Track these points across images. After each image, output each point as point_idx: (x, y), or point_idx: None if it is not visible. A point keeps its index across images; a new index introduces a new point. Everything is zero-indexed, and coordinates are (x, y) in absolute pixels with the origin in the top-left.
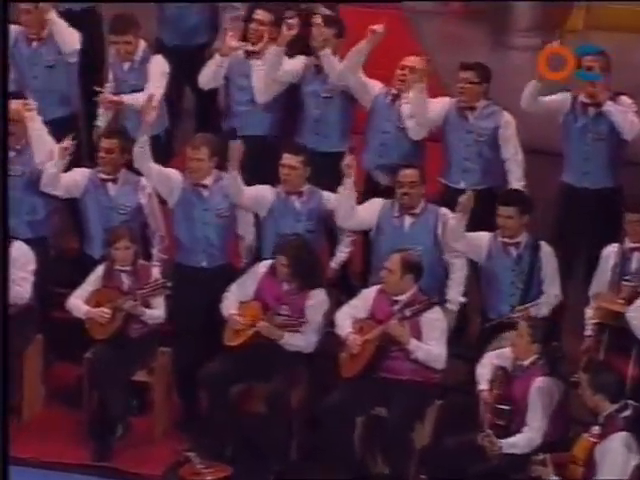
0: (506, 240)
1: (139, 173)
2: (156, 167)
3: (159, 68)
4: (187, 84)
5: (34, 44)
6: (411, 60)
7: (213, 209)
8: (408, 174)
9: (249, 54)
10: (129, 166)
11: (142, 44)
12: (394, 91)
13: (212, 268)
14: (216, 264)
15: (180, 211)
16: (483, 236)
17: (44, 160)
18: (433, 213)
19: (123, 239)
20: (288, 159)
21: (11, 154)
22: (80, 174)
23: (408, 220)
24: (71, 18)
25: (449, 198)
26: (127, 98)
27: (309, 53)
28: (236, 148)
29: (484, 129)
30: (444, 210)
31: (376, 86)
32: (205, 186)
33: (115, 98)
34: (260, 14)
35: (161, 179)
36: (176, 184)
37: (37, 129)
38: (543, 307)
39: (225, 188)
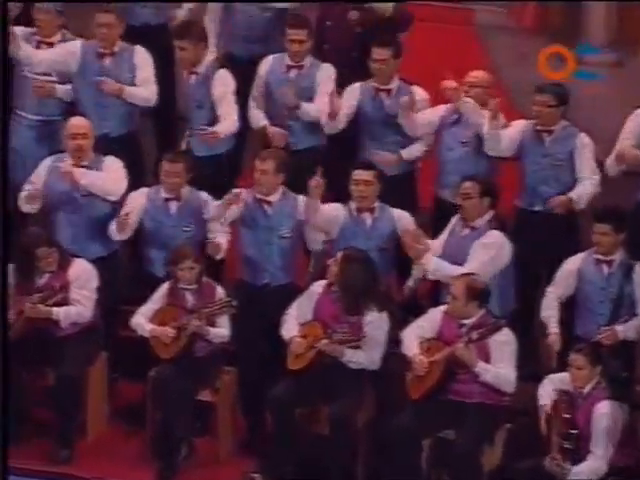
0: (600, 257)
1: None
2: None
3: (223, 87)
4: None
5: (106, 60)
6: (474, 75)
7: (276, 229)
8: (466, 186)
9: (289, 68)
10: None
11: (208, 57)
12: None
13: (276, 286)
14: (280, 282)
15: (243, 228)
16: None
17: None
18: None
19: (187, 259)
20: (361, 174)
21: (76, 171)
22: (140, 194)
23: (466, 233)
24: (143, 33)
25: (523, 221)
26: (222, 129)
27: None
28: (315, 185)
29: (560, 153)
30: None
31: (439, 111)
32: (269, 203)
33: (215, 132)
34: (295, 34)
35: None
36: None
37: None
38: (631, 330)
39: (290, 208)
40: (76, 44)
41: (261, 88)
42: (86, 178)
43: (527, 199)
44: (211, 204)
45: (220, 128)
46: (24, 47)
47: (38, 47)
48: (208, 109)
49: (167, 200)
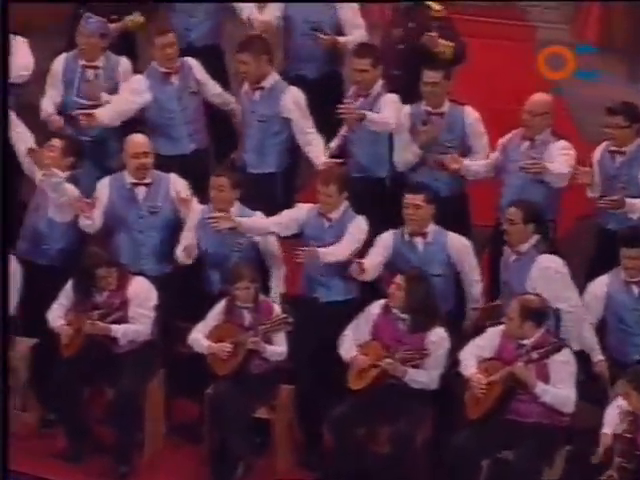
0: (628, 279)
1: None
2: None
3: (295, 100)
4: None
5: (172, 78)
6: (533, 103)
7: (331, 244)
8: (511, 212)
9: (358, 96)
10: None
11: (273, 73)
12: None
13: (335, 302)
14: (340, 299)
15: (305, 243)
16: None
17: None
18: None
19: (244, 280)
20: (411, 198)
21: (141, 189)
22: (198, 212)
23: (514, 258)
24: (193, 53)
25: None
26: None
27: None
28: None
29: (630, 176)
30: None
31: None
32: (329, 219)
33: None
34: (358, 63)
35: (290, 227)
36: (300, 219)
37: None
38: None
39: (348, 226)
40: (139, 81)
41: None
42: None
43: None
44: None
45: (315, 153)
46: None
47: (83, 71)
48: (273, 124)
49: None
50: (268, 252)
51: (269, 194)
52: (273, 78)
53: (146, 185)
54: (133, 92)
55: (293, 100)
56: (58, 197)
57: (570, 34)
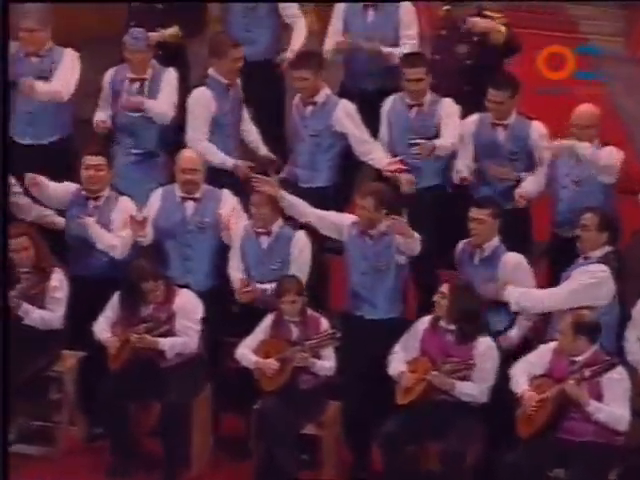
0: None
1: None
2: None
3: (347, 112)
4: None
5: (230, 91)
6: (579, 116)
7: (373, 260)
8: (586, 217)
9: (410, 107)
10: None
11: (325, 87)
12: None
13: (384, 320)
14: (388, 316)
15: (348, 260)
16: None
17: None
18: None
19: (289, 293)
20: (475, 213)
21: (189, 203)
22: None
23: (581, 262)
24: (250, 68)
25: None
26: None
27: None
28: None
29: None
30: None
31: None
32: (371, 236)
33: None
34: (413, 73)
35: (330, 228)
36: (345, 232)
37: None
38: None
39: (391, 241)
40: (205, 93)
41: (385, 128)
42: None
43: None
44: (300, 243)
45: (377, 157)
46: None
47: (131, 84)
48: (326, 138)
49: (258, 234)
50: (298, 272)
51: (320, 208)
52: (325, 92)
53: (195, 200)
54: (201, 104)
55: (345, 113)
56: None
57: (625, 48)
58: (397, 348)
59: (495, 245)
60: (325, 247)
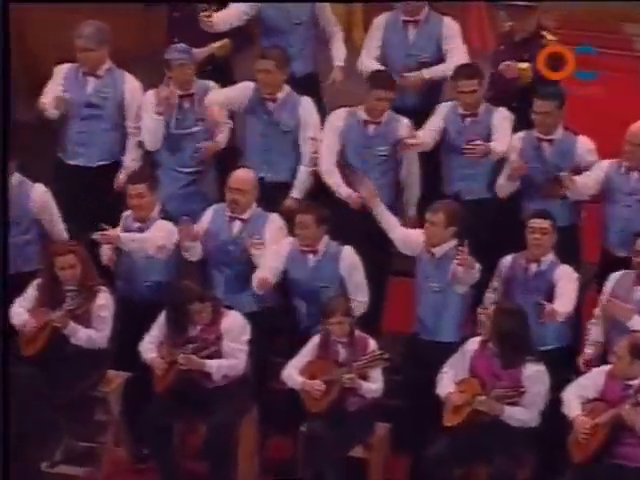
0: None
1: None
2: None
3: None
4: None
5: (270, 105)
6: (634, 134)
7: (442, 280)
8: None
9: (464, 117)
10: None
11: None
12: (626, 164)
13: (445, 343)
14: (450, 340)
15: (417, 279)
16: None
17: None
18: None
19: (336, 314)
20: (538, 223)
21: (236, 223)
22: (285, 244)
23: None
24: (294, 83)
25: None
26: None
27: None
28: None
29: None
30: None
31: (604, 165)
32: (433, 254)
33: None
34: (468, 85)
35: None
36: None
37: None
38: None
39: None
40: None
41: (434, 133)
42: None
43: None
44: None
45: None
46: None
47: (180, 102)
48: (393, 158)
49: (304, 253)
50: (352, 290)
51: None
52: (388, 112)
53: (242, 220)
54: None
55: (408, 129)
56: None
57: None
58: (446, 368)
59: (551, 260)
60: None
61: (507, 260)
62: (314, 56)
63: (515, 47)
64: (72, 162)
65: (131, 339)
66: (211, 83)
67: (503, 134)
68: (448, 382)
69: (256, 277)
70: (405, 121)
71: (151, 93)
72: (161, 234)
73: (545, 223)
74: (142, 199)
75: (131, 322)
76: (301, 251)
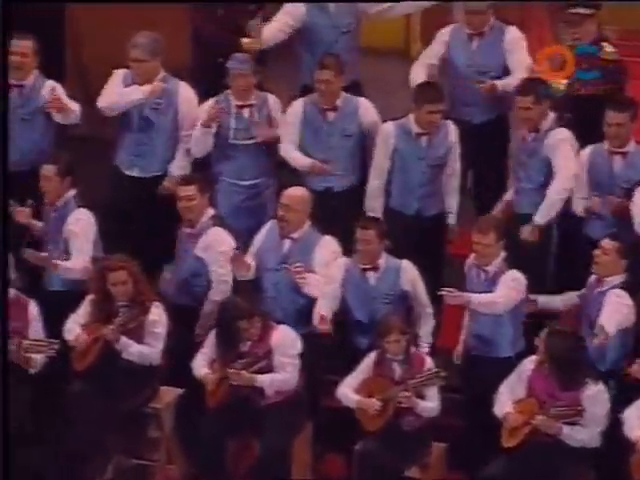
0: None
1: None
2: None
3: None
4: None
5: (330, 114)
6: None
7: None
8: None
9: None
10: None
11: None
12: None
13: (505, 358)
14: (511, 354)
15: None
16: None
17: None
18: None
19: (393, 332)
20: (606, 244)
21: (286, 242)
22: (341, 264)
23: None
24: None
25: None
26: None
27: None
28: None
29: None
30: None
31: None
32: (486, 272)
33: None
34: (523, 101)
35: None
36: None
37: None
38: None
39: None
40: (296, 114)
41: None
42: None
43: None
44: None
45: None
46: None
47: (239, 112)
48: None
49: (365, 271)
50: (419, 302)
51: (438, 239)
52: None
53: (293, 240)
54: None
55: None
56: None
57: None
58: (503, 388)
59: (623, 282)
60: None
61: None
62: (358, 64)
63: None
64: (128, 172)
65: (184, 354)
66: (271, 95)
67: (563, 163)
68: (505, 402)
69: (315, 314)
70: (452, 125)
71: (210, 104)
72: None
73: (610, 244)
74: (191, 202)
75: (183, 336)
76: (362, 269)
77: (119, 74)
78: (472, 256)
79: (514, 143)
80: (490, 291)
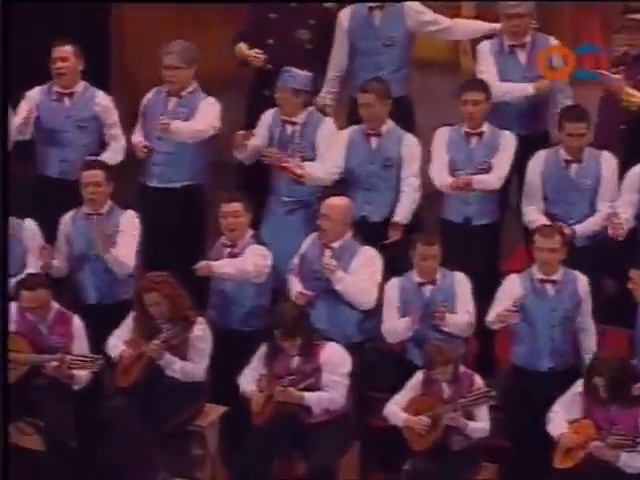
0: None
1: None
2: None
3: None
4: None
5: (373, 140)
6: None
7: (560, 309)
8: None
9: (568, 163)
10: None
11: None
12: None
13: (558, 372)
14: (562, 368)
15: (524, 311)
16: None
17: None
18: None
19: (438, 366)
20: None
21: (327, 253)
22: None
23: None
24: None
25: None
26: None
27: None
28: None
29: None
30: None
31: None
32: (554, 282)
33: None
34: (574, 128)
35: None
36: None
37: None
38: None
39: (573, 285)
40: (344, 142)
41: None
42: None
43: None
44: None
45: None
46: None
47: (283, 126)
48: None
49: (421, 285)
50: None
51: (488, 246)
52: (487, 126)
53: (333, 249)
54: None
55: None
56: None
57: None
58: (557, 407)
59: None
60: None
61: None
62: (408, 78)
63: (629, 67)
64: (153, 184)
65: (229, 371)
66: (327, 119)
67: (609, 189)
68: (560, 422)
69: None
70: (606, 154)
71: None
72: (256, 259)
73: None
74: (237, 218)
75: (227, 351)
76: (419, 284)
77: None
78: (535, 268)
79: None
80: (556, 305)
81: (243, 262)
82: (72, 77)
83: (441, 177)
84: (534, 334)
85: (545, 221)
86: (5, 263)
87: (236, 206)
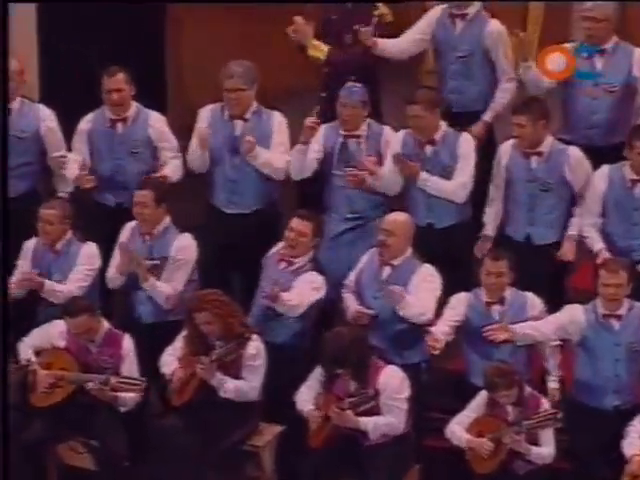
0: None
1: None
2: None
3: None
4: None
5: (428, 149)
6: None
7: (625, 343)
8: None
9: (634, 182)
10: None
11: (549, 137)
12: None
13: (622, 410)
14: (628, 405)
15: (584, 345)
16: None
17: None
18: None
19: (500, 390)
20: None
21: (386, 269)
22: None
23: None
24: (457, 121)
25: None
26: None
27: None
28: None
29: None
30: None
31: None
32: (619, 317)
33: None
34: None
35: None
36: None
37: None
38: None
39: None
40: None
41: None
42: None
43: None
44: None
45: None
46: None
47: (344, 141)
48: (554, 190)
49: (489, 305)
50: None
51: (549, 266)
52: (549, 142)
53: (393, 267)
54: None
55: (576, 162)
56: None
57: None
58: (637, 421)
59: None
60: None
61: None
62: (484, 94)
63: None
64: (227, 210)
65: (284, 388)
66: (387, 128)
67: None
68: (636, 440)
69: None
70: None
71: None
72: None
73: None
74: (302, 238)
75: (281, 369)
76: (486, 303)
77: (205, 113)
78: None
79: None
80: (621, 339)
81: (306, 297)
82: (126, 104)
83: None
84: (596, 369)
85: (597, 239)
86: (5, 263)
87: (305, 225)
